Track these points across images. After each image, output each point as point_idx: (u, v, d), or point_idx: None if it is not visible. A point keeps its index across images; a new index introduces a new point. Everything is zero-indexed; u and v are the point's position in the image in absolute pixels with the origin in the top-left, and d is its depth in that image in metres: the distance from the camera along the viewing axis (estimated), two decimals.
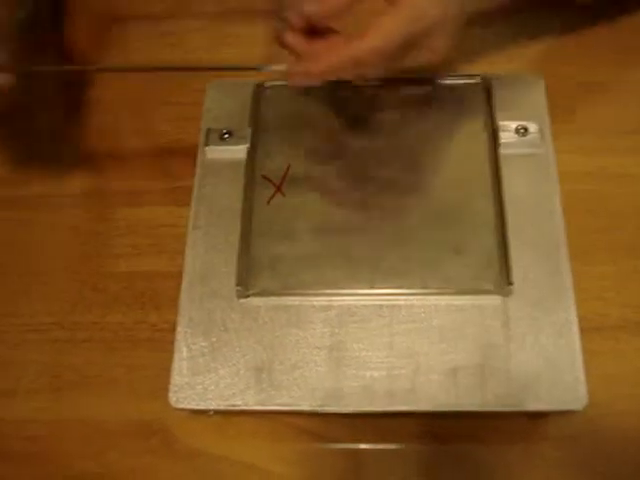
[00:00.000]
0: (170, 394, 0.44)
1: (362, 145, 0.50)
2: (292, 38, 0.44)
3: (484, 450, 0.46)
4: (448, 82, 0.52)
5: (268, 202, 0.48)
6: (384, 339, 0.44)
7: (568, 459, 0.45)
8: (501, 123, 0.49)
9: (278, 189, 0.49)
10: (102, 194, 0.57)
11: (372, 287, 0.45)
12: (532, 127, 0.49)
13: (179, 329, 0.46)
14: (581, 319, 0.45)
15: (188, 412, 0.48)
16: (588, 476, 0.45)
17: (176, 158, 0.57)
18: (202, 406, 0.44)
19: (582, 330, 0.45)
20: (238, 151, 0.51)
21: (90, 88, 0.62)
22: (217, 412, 0.47)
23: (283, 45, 0.44)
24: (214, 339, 0.45)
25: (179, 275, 0.48)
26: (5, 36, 0.50)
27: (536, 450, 0.45)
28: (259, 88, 0.53)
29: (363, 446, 0.47)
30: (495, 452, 0.46)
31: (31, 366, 0.51)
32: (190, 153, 0.56)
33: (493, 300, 0.45)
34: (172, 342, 0.46)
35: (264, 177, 0.49)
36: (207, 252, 0.48)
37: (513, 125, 0.49)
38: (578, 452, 0.45)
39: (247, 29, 0.62)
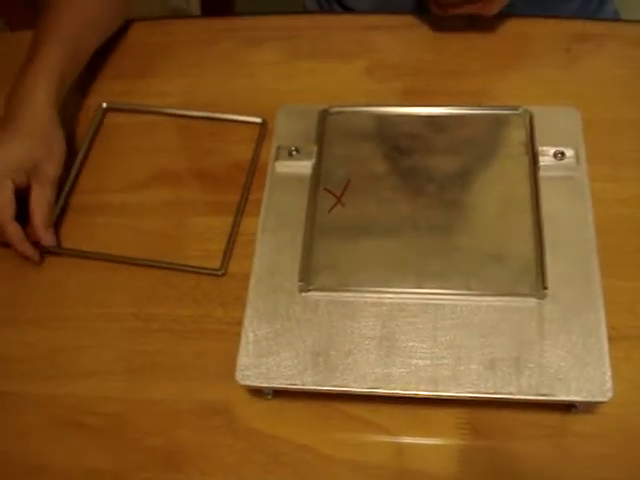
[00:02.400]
0: (237, 372, 0.49)
1: (414, 164, 0.56)
2: None
3: (518, 444, 0.50)
4: (494, 112, 0.58)
5: (329, 211, 0.54)
6: (429, 332, 0.49)
7: (597, 454, 0.49)
8: (540, 148, 0.55)
9: (339, 200, 0.55)
10: (179, 204, 0.64)
11: (420, 287, 0.50)
12: (569, 152, 0.54)
13: (247, 317, 0.51)
14: (612, 329, 0.50)
15: (248, 395, 0.53)
16: (615, 471, 0.48)
17: (246, 174, 0.64)
18: (265, 384, 0.49)
19: (613, 339, 0.49)
20: (304, 166, 0.57)
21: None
22: (275, 396, 0.52)
23: None
24: (277, 326, 0.51)
25: (245, 277, 0.54)
26: (51, 220, 0.61)
27: (567, 445, 0.49)
28: (324, 113, 0.60)
29: (406, 439, 0.51)
30: (528, 446, 0.49)
31: (109, 351, 0.56)
32: (260, 170, 0.63)
33: (529, 302, 0.49)
34: (236, 334, 0.51)
35: (326, 190, 0.56)
36: (274, 252, 0.54)
37: (551, 150, 0.55)
38: (607, 448, 0.49)
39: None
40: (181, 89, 0.71)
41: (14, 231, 0.59)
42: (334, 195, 0.55)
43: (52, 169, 0.61)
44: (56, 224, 0.63)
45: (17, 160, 0.59)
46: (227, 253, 0.59)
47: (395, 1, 0.75)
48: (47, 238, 0.60)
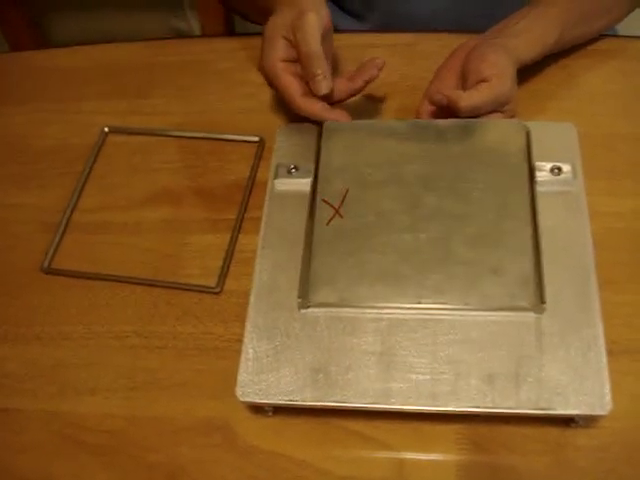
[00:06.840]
0: (237, 389, 0.49)
1: (412, 175, 0.56)
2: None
3: (517, 459, 0.50)
4: (492, 126, 0.59)
5: (327, 223, 0.55)
6: (428, 348, 0.49)
7: (597, 469, 0.49)
8: (537, 163, 0.55)
9: (337, 211, 0.55)
10: (179, 222, 0.64)
11: (418, 302, 0.51)
12: (565, 167, 0.55)
13: (246, 334, 0.52)
14: (610, 343, 0.50)
15: (248, 412, 0.53)
16: None
17: (244, 192, 0.65)
18: (265, 400, 0.49)
19: (611, 353, 0.49)
20: (303, 184, 0.58)
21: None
22: (275, 412, 0.52)
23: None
24: (277, 343, 0.51)
25: (244, 294, 0.55)
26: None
27: (567, 459, 0.49)
28: (322, 129, 0.60)
29: (406, 454, 0.51)
30: (528, 461, 0.49)
31: (110, 368, 0.57)
32: (258, 188, 0.64)
33: (527, 317, 0.50)
34: (236, 351, 0.52)
35: (324, 201, 0.56)
36: (273, 269, 0.54)
37: (548, 165, 0.55)
38: (607, 462, 0.49)
39: None
40: (182, 109, 0.72)
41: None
42: (332, 206, 0.55)
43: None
44: (57, 243, 0.64)
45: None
46: (223, 271, 0.60)
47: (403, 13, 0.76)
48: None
